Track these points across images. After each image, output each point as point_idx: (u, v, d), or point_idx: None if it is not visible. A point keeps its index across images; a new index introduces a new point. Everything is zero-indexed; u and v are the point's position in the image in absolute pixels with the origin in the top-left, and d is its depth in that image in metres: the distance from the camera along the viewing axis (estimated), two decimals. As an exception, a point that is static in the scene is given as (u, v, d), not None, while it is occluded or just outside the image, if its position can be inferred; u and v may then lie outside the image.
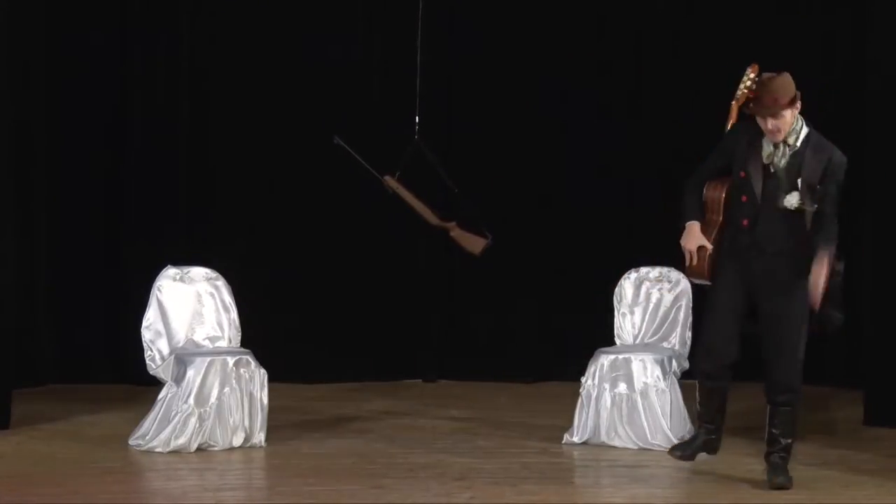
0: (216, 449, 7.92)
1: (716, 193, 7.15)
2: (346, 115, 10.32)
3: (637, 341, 8.51)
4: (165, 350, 8.19)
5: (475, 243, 9.02)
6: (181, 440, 7.86)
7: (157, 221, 10.38)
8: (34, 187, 10.16)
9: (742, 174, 7.05)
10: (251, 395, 8.02)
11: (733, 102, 7.27)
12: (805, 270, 6.89)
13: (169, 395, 7.97)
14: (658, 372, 8.08)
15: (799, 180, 6.93)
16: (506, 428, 8.72)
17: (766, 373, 7.06)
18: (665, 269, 8.56)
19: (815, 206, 6.91)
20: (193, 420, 7.87)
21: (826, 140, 7.02)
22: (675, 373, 8.19)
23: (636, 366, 8.09)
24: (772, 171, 6.99)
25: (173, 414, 7.89)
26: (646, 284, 8.58)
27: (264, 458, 7.88)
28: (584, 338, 9.17)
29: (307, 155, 10.43)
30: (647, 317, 8.55)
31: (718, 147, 7.21)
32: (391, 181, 8.96)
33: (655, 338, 8.49)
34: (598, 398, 8.14)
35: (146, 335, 8.23)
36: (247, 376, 8.02)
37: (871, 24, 8.90)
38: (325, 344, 10.55)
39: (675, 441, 7.94)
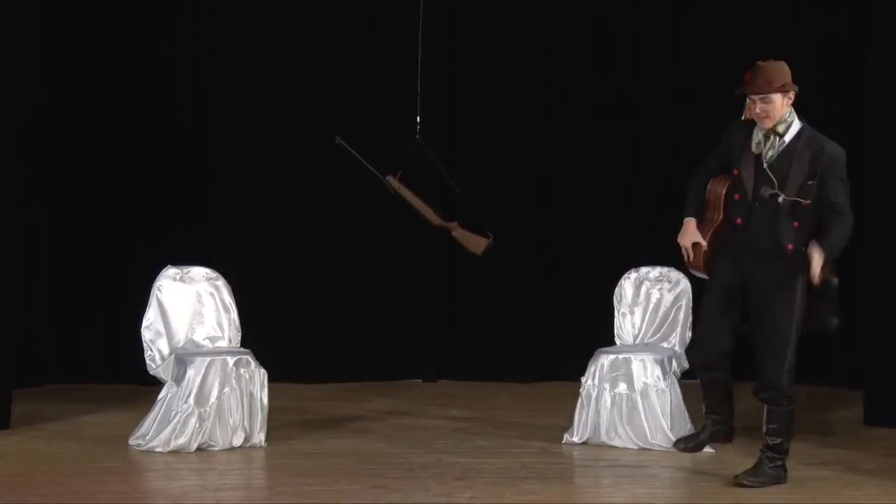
0: (216, 449, 7.92)
1: (718, 190, 7.19)
2: (346, 115, 10.33)
3: (637, 341, 8.51)
4: (165, 350, 8.20)
5: (477, 243, 9.03)
6: (181, 440, 7.86)
7: (157, 221, 10.38)
8: (34, 187, 10.17)
9: (735, 171, 7.09)
10: (251, 395, 8.02)
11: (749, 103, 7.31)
12: (797, 270, 6.91)
13: (169, 395, 7.98)
14: (658, 372, 8.08)
15: (788, 182, 6.93)
16: (506, 428, 8.73)
17: (755, 371, 7.10)
18: (665, 269, 8.56)
19: (809, 200, 6.91)
20: (193, 420, 7.87)
21: (821, 135, 7.02)
22: (675, 373, 8.20)
23: (636, 366, 8.10)
24: (764, 166, 7.00)
25: (173, 414, 7.89)
26: (646, 284, 8.58)
27: (264, 458, 7.89)
28: (584, 338, 9.18)
29: (307, 155, 10.43)
30: (647, 317, 8.56)
31: (718, 145, 7.24)
32: (393, 181, 8.96)
33: (655, 338, 8.49)
34: (598, 398, 8.14)
35: (146, 335, 8.23)
36: (247, 376, 8.02)
37: (871, 23, 8.90)
38: (325, 344, 10.55)
39: (675, 440, 7.95)
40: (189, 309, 8.33)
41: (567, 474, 7.70)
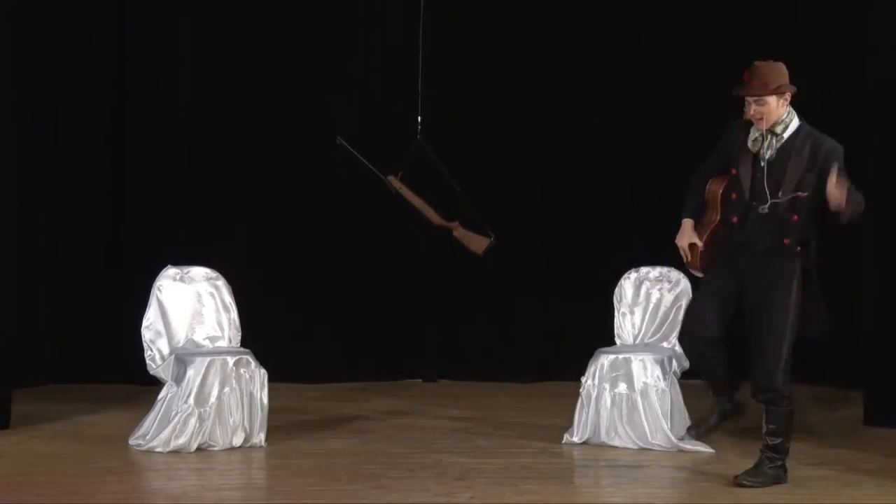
0: (216, 449, 7.92)
1: (715, 191, 7.20)
2: (346, 115, 10.33)
3: (637, 341, 8.51)
4: (165, 350, 8.19)
5: (478, 243, 9.03)
6: (181, 440, 7.86)
7: (157, 221, 10.39)
8: (34, 187, 10.17)
9: (734, 171, 7.10)
10: (251, 395, 8.02)
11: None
12: (793, 270, 6.91)
13: (169, 395, 7.97)
14: (658, 372, 8.08)
15: (786, 179, 6.93)
16: (506, 428, 8.73)
17: (751, 371, 7.11)
18: (665, 269, 8.56)
19: (807, 192, 6.91)
20: (193, 420, 7.87)
21: (819, 133, 7.03)
22: (675, 373, 8.19)
23: (636, 366, 8.09)
24: (761, 164, 7.01)
25: (173, 414, 7.89)
26: (646, 284, 8.58)
27: (264, 458, 7.88)
28: (584, 338, 9.18)
29: (307, 155, 10.43)
30: (647, 317, 8.56)
31: (718, 145, 7.25)
32: (394, 181, 8.96)
33: (655, 338, 8.49)
34: (598, 398, 8.14)
35: (146, 335, 8.23)
36: (247, 376, 8.02)
37: (871, 23, 8.89)
38: (325, 344, 10.55)
39: (675, 440, 7.96)
40: (189, 309, 8.32)
41: (567, 474, 7.70)
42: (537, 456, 7.90)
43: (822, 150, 6.94)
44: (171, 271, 8.35)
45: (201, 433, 7.89)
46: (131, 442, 8.04)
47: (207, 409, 7.90)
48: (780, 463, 7.13)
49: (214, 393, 7.91)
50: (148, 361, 8.20)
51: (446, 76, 10.49)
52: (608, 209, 10.65)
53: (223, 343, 8.33)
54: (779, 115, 6.99)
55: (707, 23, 10.57)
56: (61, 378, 10.27)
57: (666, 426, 8.01)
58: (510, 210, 10.34)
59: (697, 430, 7.48)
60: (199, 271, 8.44)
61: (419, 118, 9.15)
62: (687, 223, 7.25)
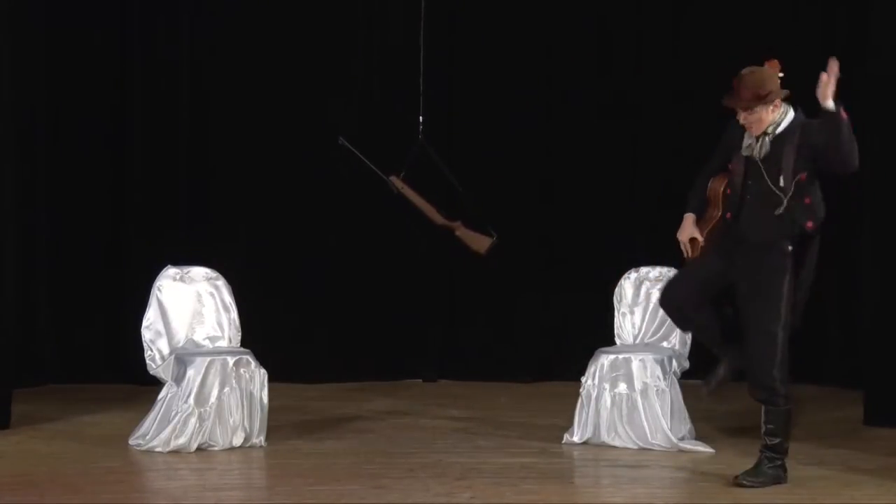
0: (216, 449, 7.92)
1: (717, 188, 7.23)
2: (346, 115, 10.33)
3: (637, 341, 8.51)
4: (165, 350, 8.19)
5: (481, 242, 9.03)
6: (181, 440, 7.86)
7: (157, 221, 10.39)
8: (34, 187, 10.18)
9: (730, 166, 7.13)
10: (251, 395, 8.02)
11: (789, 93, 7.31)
12: (786, 267, 6.92)
13: (169, 395, 7.97)
14: (658, 372, 8.08)
15: (782, 158, 6.94)
16: (506, 428, 8.72)
17: (746, 371, 7.12)
18: (665, 269, 8.55)
19: (807, 172, 6.91)
20: (193, 420, 7.87)
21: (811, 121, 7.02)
22: (675, 372, 8.19)
23: (636, 366, 8.09)
24: (756, 163, 7.02)
25: (173, 414, 7.89)
26: (646, 284, 8.58)
27: (264, 458, 7.88)
28: (584, 338, 9.18)
29: (307, 154, 10.44)
30: (647, 317, 8.55)
31: (719, 143, 7.27)
32: (397, 181, 8.96)
33: (655, 338, 8.49)
34: (598, 398, 8.14)
35: (146, 335, 8.23)
36: (247, 376, 8.02)
37: (871, 23, 8.89)
38: (325, 344, 10.56)
39: (675, 440, 7.96)
40: (189, 309, 8.32)
41: (567, 474, 7.69)
42: (537, 456, 7.90)
43: (811, 129, 6.93)
44: (171, 271, 8.35)
45: (201, 433, 7.89)
46: (131, 442, 8.04)
47: (207, 409, 7.90)
48: (779, 463, 7.13)
49: (214, 393, 7.91)
50: (148, 361, 8.20)
51: (446, 76, 10.49)
52: (608, 209, 10.65)
53: (223, 343, 8.32)
54: (770, 121, 7.01)
55: (707, 23, 10.57)
56: (61, 378, 10.27)
57: (666, 426, 8.01)
58: (510, 210, 10.34)
59: (709, 383, 7.39)
60: (199, 271, 8.44)
61: (420, 118, 9.15)
62: (688, 218, 7.30)
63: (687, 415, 8.13)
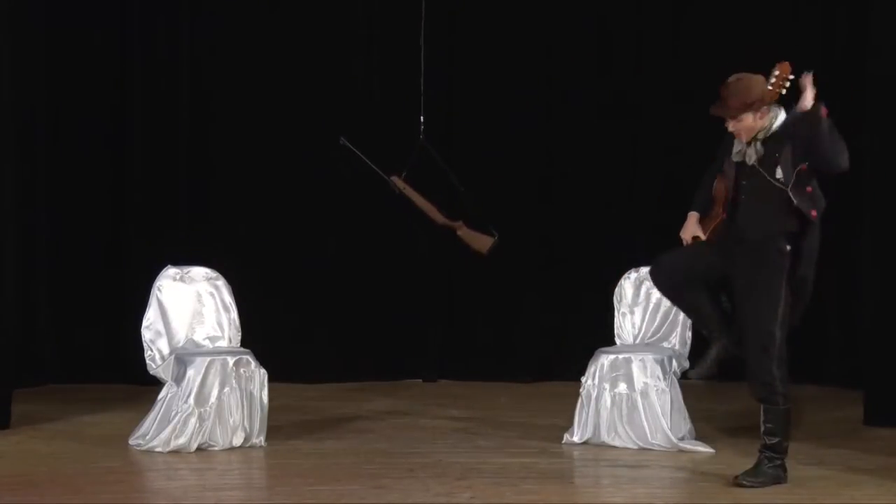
0: (216, 449, 7.92)
1: (721, 186, 7.23)
2: (346, 115, 10.33)
3: (637, 341, 8.51)
4: (165, 350, 8.19)
5: (483, 242, 9.03)
6: (181, 440, 7.86)
7: (157, 221, 10.39)
8: (34, 187, 10.18)
9: (724, 168, 7.14)
10: (251, 395, 8.02)
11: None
12: (782, 266, 6.92)
13: (169, 395, 7.97)
14: (658, 372, 8.08)
15: (778, 167, 6.94)
16: (506, 428, 8.73)
17: (744, 370, 7.12)
18: (665, 269, 8.55)
19: (807, 163, 6.90)
20: (193, 420, 7.87)
21: None
22: (675, 372, 8.19)
23: (636, 365, 8.09)
24: (749, 167, 7.04)
25: (173, 414, 7.89)
26: (646, 284, 8.57)
27: (264, 458, 7.88)
28: (584, 338, 9.18)
29: (307, 154, 10.44)
30: (647, 317, 8.55)
31: (722, 143, 7.27)
32: (398, 181, 8.96)
33: (655, 338, 8.49)
34: (598, 398, 8.14)
35: (146, 335, 8.23)
36: (247, 376, 8.02)
37: (871, 24, 8.89)
38: (325, 344, 10.56)
39: (675, 440, 7.96)
40: (189, 309, 8.32)
41: (567, 474, 7.69)
42: (537, 456, 7.90)
43: (799, 122, 6.91)
44: (171, 271, 8.35)
45: (201, 433, 7.89)
46: (131, 442, 8.04)
47: (207, 409, 7.90)
48: (779, 462, 7.13)
49: (214, 393, 7.91)
50: (148, 361, 8.20)
51: (446, 76, 10.49)
52: (608, 209, 10.65)
53: (223, 343, 8.32)
54: (759, 127, 7.01)
55: (707, 23, 10.57)
56: (61, 378, 10.28)
57: (666, 426, 8.01)
58: (510, 210, 10.34)
59: (699, 371, 7.37)
60: (199, 271, 8.44)
61: (422, 118, 9.15)
62: (692, 216, 7.32)
63: (687, 414, 8.13)
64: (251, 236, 10.51)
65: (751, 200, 7.04)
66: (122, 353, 9.97)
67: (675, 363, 8.21)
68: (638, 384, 8.06)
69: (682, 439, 8.02)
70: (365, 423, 8.93)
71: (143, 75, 10.41)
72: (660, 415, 8.02)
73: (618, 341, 8.55)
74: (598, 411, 8.14)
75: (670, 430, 8.00)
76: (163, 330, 8.23)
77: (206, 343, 8.30)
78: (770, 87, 7.29)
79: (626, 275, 8.67)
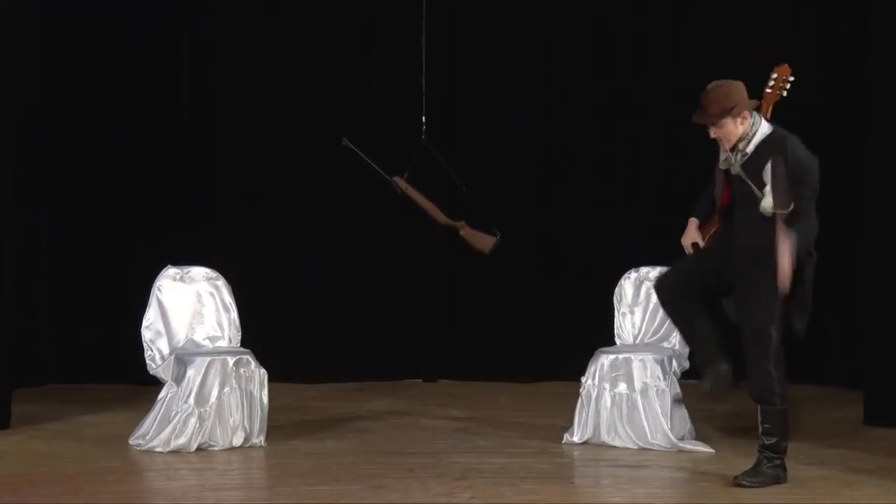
0: (216, 449, 7.92)
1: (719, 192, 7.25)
2: (346, 115, 10.33)
3: (637, 341, 8.51)
4: (165, 350, 8.19)
5: (485, 242, 9.03)
6: (181, 440, 7.86)
7: (157, 221, 10.39)
8: (34, 187, 10.18)
9: (716, 176, 7.17)
10: (251, 395, 8.02)
11: (762, 103, 7.31)
12: (774, 269, 6.93)
13: (169, 395, 7.97)
14: (658, 372, 8.08)
15: (758, 180, 6.93)
16: (506, 428, 8.72)
17: (742, 371, 7.12)
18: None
19: (790, 208, 6.89)
20: (193, 420, 7.87)
21: (793, 141, 6.95)
22: (675, 372, 8.19)
23: (636, 365, 8.09)
24: (732, 172, 7.05)
25: (173, 414, 7.89)
26: (646, 284, 8.58)
27: (264, 458, 7.88)
28: (584, 338, 9.17)
29: (307, 155, 10.44)
30: (647, 317, 8.55)
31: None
32: (401, 182, 8.95)
33: (655, 338, 8.49)
34: (598, 398, 8.14)
35: (146, 335, 8.23)
36: (247, 376, 8.02)
37: (871, 23, 8.89)
38: (325, 344, 10.55)
39: (675, 440, 7.96)
40: (189, 309, 8.32)
41: (567, 474, 7.69)
42: (537, 456, 7.90)
43: (793, 163, 6.87)
44: (171, 271, 8.35)
45: (201, 433, 7.89)
46: (131, 442, 8.04)
47: (207, 409, 7.89)
48: (778, 462, 7.13)
49: (214, 393, 7.91)
50: (148, 361, 8.20)
51: (446, 76, 10.48)
52: (608, 209, 10.65)
53: (223, 343, 8.32)
54: (740, 133, 7.01)
55: (707, 23, 10.57)
56: (61, 378, 10.27)
57: (666, 426, 8.01)
58: (510, 210, 10.34)
59: (707, 384, 7.35)
60: (199, 271, 8.44)
61: (423, 118, 9.15)
62: (692, 222, 7.35)
63: (687, 415, 8.13)
64: (251, 236, 10.51)
65: (742, 207, 7.05)
66: (122, 353, 9.96)
67: (675, 363, 8.21)
68: (638, 384, 8.07)
69: (682, 439, 8.02)
70: (365, 423, 8.93)
71: (143, 75, 10.41)
72: (660, 415, 8.02)
73: (618, 341, 8.55)
74: (598, 411, 8.14)
75: (670, 430, 8.00)
76: (163, 330, 8.23)
77: (206, 343, 8.30)
78: (769, 91, 7.31)
79: (626, 275, 8.67)
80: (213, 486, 7.16)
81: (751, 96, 7.09)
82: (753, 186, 6.93)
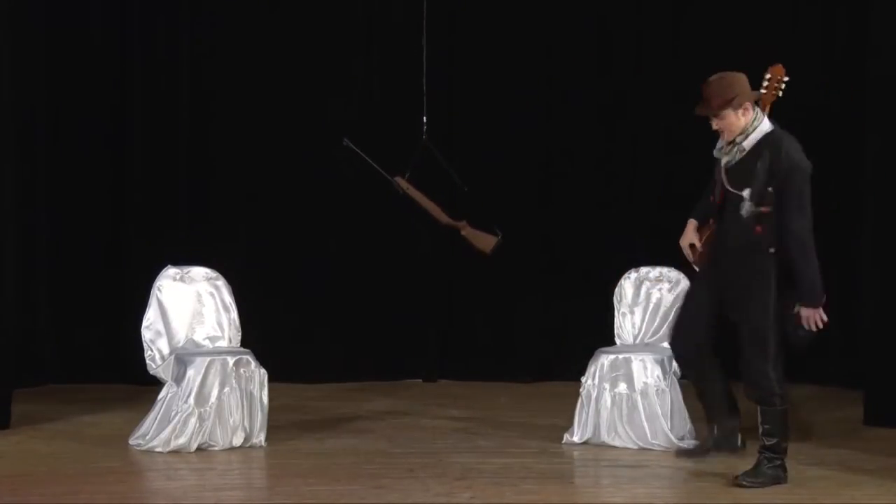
0: (216, 449, 7.92)
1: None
2: (346, 116, 10.32)
3: (637, 341, 8.51)
4: (165, 350, 8.19)
5: (486, 242, 9.03)
6: (181, 440, 7.86)
7: (157, 221, 10.39)
8: (34, 187, 10.17)
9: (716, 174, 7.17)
10: (251, 395, 8.02)
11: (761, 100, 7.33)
12: (770, 268, 6.91)
13: (169, 395, 7.97)
14: (658, 372, 8.08)
15: (747, 189, 6.93)
16: (506, 428, 8.72)
17: (740, 371, 7.13)
18: (665, 269, 8.56)
19: (769, 209, 6.89)
20: (193, 420, 7.87)
21: (789, 141, 6.96)
22: (675, 373, 8.19)
23: (636, 366, 8.09)
24: (727, 170, 7.04)
25: (173, 414, 7.89)
26: (646, 284, 8.58)
27: (264, 458, 7.88)
28: (584, 338, 9.17)
29: (307, 155, 10.44)
30: (647, 317, 8.55)
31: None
32: (402, 182, 8.95)
33: (655, 338, 8.49)
34: (598, 398, 8.14)
35: (146, 335, 8.23)
36: (247, 376, 8.02)
37: (871, 23, 8.89)
38: (325, 344, 10.55)
39: (675, 440, 7.97)
40: (189, 309, 8.32)
41: (567, 474, 7.69)
42: (537, 456, 7.90)
43: (783, 165, 6.89)
44: (171, 271, 8.35)
45: (201, 433, 7.89)
46: (131, 442, 8.04)
47: (207, 409, 7.90)
48: (778, 462, 7.13)
49: (214, 393, 7.91)
50: (148, 361, 8.20)
51: (446, 76, 10.48)
52: (608, 209, 10.65)
53: (223, 343, 8.33)
54: (741, 126, 7.01)
55: (707, 23, 10.57)
56: (61, 378, 10.27)
57: (666, 426, 8.01)
58: (510, 210, 10.33)
59: (689, 454, 7.45)
60: (199, 271, 8.44)
61: (424, 118, 9.14)
62: (690, 223, 7.36)
63: (687, 415, 8.13)
64: (251, 236, 10.51)
65: (729, 207, 7.04)
66: (122, 353, 9.96)
67: (674, 363, 8.20)
68: (638, 384, 8.07)
69: (682, 439, 8.02)
70: (365, 423, 8.93)
71: (143, 75, 10.41)
72: (660, 415, 8.02)
73: (618, 341, 8.55)
74: (598, 411, 8.14)
75: (670, 430, 8.00)
76: (163, 330, 8.23)
77: (206, 343, 8.30)
78: (764, 91, 7.31)
79: (626, 275, 8.67)
80: (213, 486, 7.16)
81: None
82: (734, 191, 6.95)
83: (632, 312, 8.59)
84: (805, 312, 6.91)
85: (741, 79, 7.03)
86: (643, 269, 8.66)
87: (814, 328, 6.91)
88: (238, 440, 7.99)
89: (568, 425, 8.26)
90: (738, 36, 10.25)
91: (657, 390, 8.05)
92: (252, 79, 10.50)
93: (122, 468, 7.53)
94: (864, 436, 8.49)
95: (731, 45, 10.10)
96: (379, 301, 10.61)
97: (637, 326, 8.56)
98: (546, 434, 8.41)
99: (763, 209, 6.92)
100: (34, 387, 9.91)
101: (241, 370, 8.00)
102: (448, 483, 7.17)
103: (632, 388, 8.08)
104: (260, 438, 8.06)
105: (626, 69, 10.71)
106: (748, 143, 7.00)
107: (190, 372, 7.88)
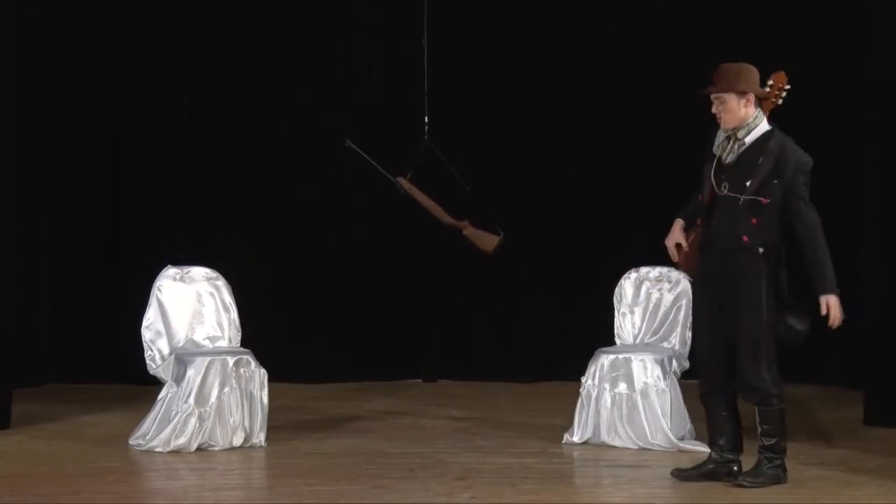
0: (216, 449, 7.92)
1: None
2: (346, 116, 10.33)
3: (637, 341, 8.51)
4: (165, 350, 8.19)
5: (488, 241, 9.03)
6: (181, 440, 7.86)
7: (157, 221, 10.39)
8: (35, 187, 10.17)
9: (704, 171, 7.14)
10: (251, 395, 8.02)
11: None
12: (760, 267, 6.90)
13: (169, 395, 7.97)
14: (658, 372, 8.08)
15: (748, 182, 6.92)
16: (506, 428, 8.73)
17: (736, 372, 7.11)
18: (665, 269, 8.56)
19: (769, 199, 6.89)
20: (193, 420, 7.87)
21: (790, 141, 6.97)
22: (675, 372, 8.20)
23: (636, 366, 8.09)
24: (723, 164, 7.01)
25: (173, 414, 7.89)
26: (646, 284, 8.58)
27: (264, 458, 7.88)
28: (584, 338, 9.18)
29: (307, 155, 10.44)
30: (647, 317, 8.55)
31: (705, 151, 7.26)
32: (404, 182, 8.95)
33: (655, 338, 8.49)
34: (598, 398, 8.14)
35: (146, 335, 8.23)
36: (247, 376, 8.02)
37: (871, 23, 8.89)
38: (325, 344, 10.55)
39: (675, 440, 7.96)
40: (189, 309, 8.32)
41: (567, 474, 7.69)
42: (537, 456, 7.90)
43: (790, 161, 6.90)
44: (171, 271, 8.35)
45: (201, 433, 7.89)
46: (131, 442, 8.04)
47: (207, 409, 7.89)
48: (778, 462, 7.13)
49: (214, 393, 7.91)
50: (148, 361, 8.20)
51: (446, 76, 10.48)
52: (608, 209, 10.65)
53: (223, 343, 8.32)
54: (741, 119, 6.99)
55: (707, 23, 10.57)
56: (61, 378, 10.27)
57: (666, 426, 8.01)
58: (510, 210, 10.33)
59: (681, 473, 7.42)
60: (199, 271, 8.44)
61: (426, 119, 9.14)
62: (676, 223, 7.30)
63: (687, 414, 8.13)
64: (251, 236, 10.51)
65: (724, 208, 7.00)
66: (122, 353, 9.96)
67: (675, 363, 8.21)
68: (638, 384, 8.07)
69: (682, 439, 8.02)
70: (365, 423, 8.93)
71: (143, 75, 10.40)
72: (660, 415, 8.02)
73: (618, 341, 8.55)
74: (598, 411, 8.14)
75: (670, 430, 8.00)
76: (163, 330, 8.23)
77: (206, 343, 8.30)
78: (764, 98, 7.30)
79: (626, 275, 8.67)
80: (213, 486, 7.16)
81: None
82: (734, 185, 6.94)
83: (632, 312, 8.59)
84: (833, 301, 6.85)
85: (753, 71, 7.04)
86: (643, 269, 8.66)
87: (838, 321, 6.86)
88: (238, 440, 7.99)
89: (568, 425, 8.26)
90: (739, 36, 10.25)
91: (657, 390, 8.05)
92: (252, 78, 10.51)
93: (122, 468, 7.53)
94: (864, 436, 8.49)
95: (731, 44, 10.09)
96: (379, 301, 10.61)
97: (637, 326, 8.56)
98: (546, 434, 8.41)
99: (762, 199, 6.91)
100: (34, 387, 9.92)
101: (242, 370, 8.00)
102: (448, 483, 7.17)
103: (632, 388, 8.08)
104: (260, 438, 8.06)
105: (626, 69, 10.71)
106: (749, 139, 6.99)
107: (190, 372, 7.88)
